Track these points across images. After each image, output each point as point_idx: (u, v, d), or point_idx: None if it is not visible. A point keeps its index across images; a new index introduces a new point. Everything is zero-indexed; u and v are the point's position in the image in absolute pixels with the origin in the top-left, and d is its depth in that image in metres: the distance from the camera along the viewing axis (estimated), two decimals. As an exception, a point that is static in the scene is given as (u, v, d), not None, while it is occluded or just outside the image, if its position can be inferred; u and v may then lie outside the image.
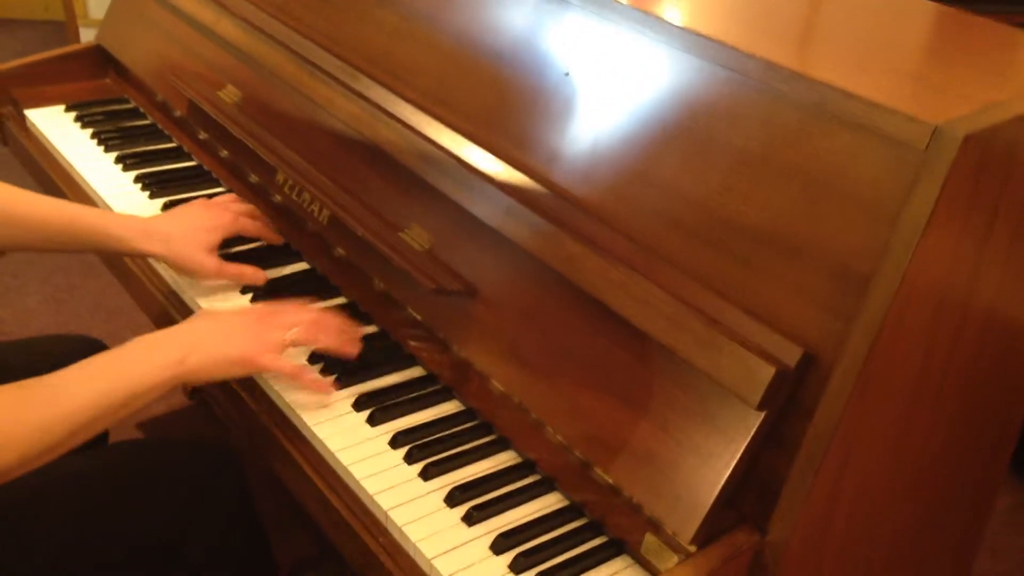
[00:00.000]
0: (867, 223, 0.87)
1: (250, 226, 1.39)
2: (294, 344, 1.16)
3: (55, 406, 0.99)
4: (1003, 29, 1.13)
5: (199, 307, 1.32)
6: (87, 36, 4.08)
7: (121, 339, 1.10)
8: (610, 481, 1.03)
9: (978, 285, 0.95)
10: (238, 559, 1.31)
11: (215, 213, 1.37)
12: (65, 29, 4.20)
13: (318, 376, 1.18)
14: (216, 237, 1.34)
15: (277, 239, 1.43)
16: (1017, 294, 1.05)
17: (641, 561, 1.01)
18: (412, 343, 1.26)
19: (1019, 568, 2.12)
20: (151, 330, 1.13)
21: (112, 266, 1.54)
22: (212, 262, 1.32)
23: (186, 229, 1.32)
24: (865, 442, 0.95)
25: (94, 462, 1.22)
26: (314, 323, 1.18)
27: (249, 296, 1.34)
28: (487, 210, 1.15)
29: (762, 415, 0.92)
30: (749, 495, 0.96)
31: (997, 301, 1.00)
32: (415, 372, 1.24)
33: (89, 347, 1.47)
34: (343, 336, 1.20)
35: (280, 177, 1.43)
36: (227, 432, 1.34)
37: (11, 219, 1.26)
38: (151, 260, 1.41)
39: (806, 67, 0.93)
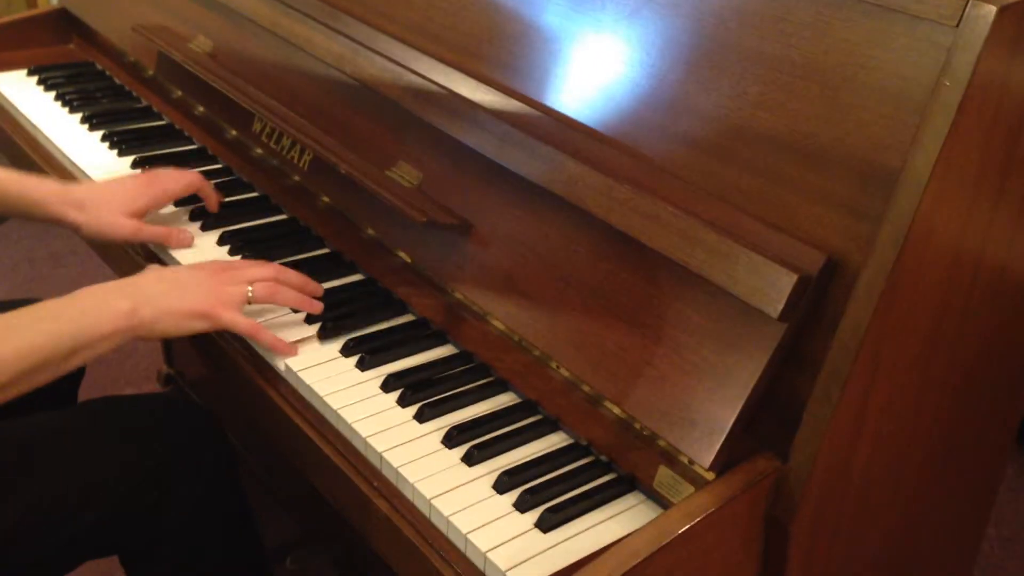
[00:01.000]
0: (892, 114, 0.82)
1: (183, 188, 1.28)
2: (253, 302, 1.10)
3: None
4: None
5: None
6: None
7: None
8: (620, 414, 0.97)
9: (1009, 189, 0.90)
10: (220, 526, 1.23)
11: (141, 181, 1.28)
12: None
13: (276, 336, 1.09)
14: (139, 204, 1.24)
15: (217, 198, 1.32)
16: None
17: (655, 496, 0.94)
18: (401, 288, 1.19)
19: (1022, 533, 2.08)
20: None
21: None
22: (129, 223, 1.22)
23: (105, 194, 1.24)
24: (892, 360, 0.89)
25: (64, 417, 1.14)
26: (273, 278, 1.11)
27: (227, 248, 1.27)
28: (480, 139, 1.09)
29: (783, 327, 0.86)
30: (769, 419, 0.90)
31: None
32: (405, 318, 1.17)
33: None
34: (304, 292, 1.13)
35: (257, 126, 1.36)
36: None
37: None
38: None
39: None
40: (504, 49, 1.14)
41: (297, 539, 1.75)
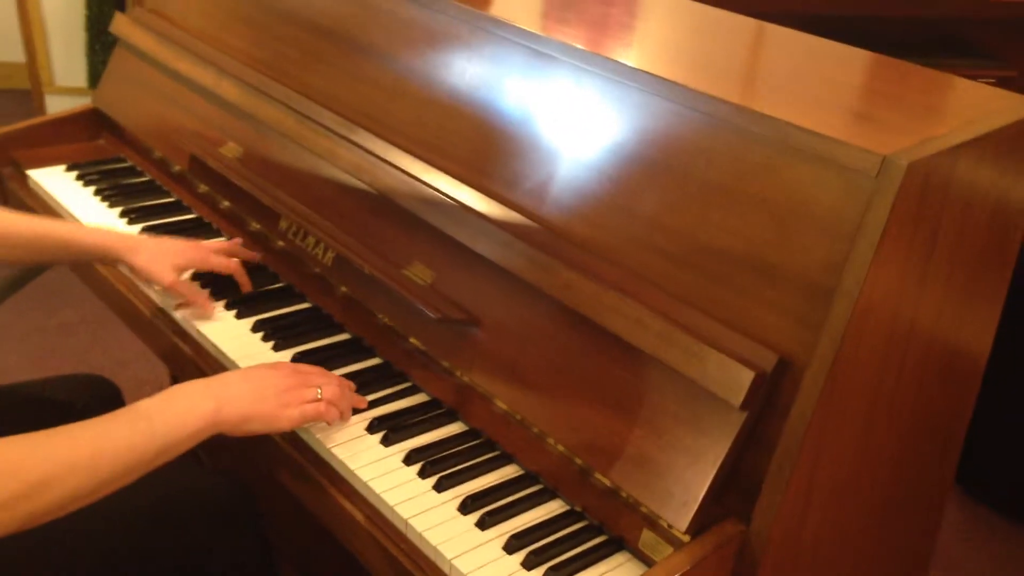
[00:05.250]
0: (829, 243, 1.01)
1: (222, 264, 1.51)
2: (308, 420, 1.22)
3: (95, 447, 1.01)
4: (934, 74, 1.29)
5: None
6: (53, 104, 4.13)
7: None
8: (608, 484, 1.15)
9: (925, 297, 1.09)
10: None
11: (189, 244, 1.52)
12: (30, 97, 4.26)
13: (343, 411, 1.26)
14: (183, 260, 1.48)
15: (247, 283, 1.53)
16: (957, 308, 1.19)
17: (639, 555, 1.12)
18: (415, 371, 1.36)
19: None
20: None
21: (101, 292, 1.68)
22: (170, 275, 1.46)
23: (158, 245, 1.49)
24: (834, 439, 1.07)
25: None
26: (339, 393, 1.25)
27: (261, 335, 1.44)
28: (485, 246, 1.27)
29: (744, 415, 1.04)
30: (734, 491, 1.08)
31: (941, 312, 1.14)
32: (420, 398, 1.34)
33: (99, 385, 1.56)
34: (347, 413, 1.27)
35: (283, 224, 1.54)
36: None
37: (8, 240, 1.39)
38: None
39: (767, 108, 1.07)
40: (505, 164, 1.33)
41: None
